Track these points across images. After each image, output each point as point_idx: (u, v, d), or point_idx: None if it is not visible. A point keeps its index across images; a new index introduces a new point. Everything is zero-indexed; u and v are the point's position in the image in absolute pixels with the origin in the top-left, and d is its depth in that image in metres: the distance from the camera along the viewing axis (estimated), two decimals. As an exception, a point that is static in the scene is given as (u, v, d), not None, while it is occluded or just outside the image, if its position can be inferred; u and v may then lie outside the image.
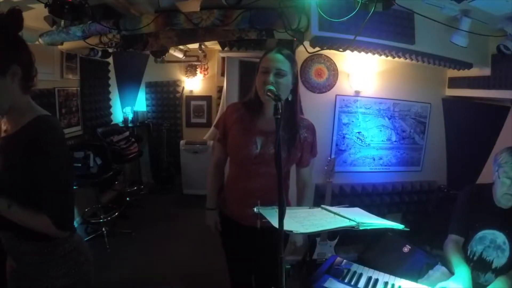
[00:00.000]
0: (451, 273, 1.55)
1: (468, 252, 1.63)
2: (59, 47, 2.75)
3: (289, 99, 1.38)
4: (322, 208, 1.35)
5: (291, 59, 1.35)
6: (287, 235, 1.51)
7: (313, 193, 1.67)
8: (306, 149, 1.48)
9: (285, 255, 1.48)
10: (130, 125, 4.50)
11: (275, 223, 0.93)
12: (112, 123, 4.35)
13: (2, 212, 0.97)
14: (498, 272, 1.56)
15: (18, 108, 1.01)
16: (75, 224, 3.24)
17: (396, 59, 2.24)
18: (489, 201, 1.60)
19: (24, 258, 1.06)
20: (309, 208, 1.37)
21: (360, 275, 1.44)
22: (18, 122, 1.00)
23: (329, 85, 2.65)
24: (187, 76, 4.74)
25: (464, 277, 1.44)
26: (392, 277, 1.43)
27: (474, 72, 2.37)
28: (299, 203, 1.61)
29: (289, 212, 1.11)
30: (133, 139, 4.11)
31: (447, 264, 1.64)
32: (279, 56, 1.32)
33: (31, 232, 1.02)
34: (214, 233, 1.61)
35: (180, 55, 4.19)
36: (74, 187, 2.72)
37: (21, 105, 1.02)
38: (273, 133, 1.34)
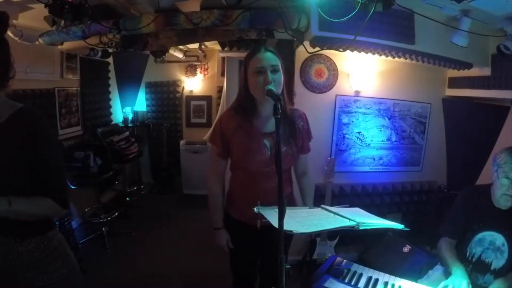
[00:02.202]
0: (449, 273, 1.55)
1: (467, 254, 1.62)
2: (59, 47, 2.75)
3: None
4: (322, 208, 1.35)
5: (278, 55, 1.39)
6: (290, 237, 1.50)
7: (313, 190, 1.67)
8: (305, 137, 1.52)
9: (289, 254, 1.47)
10: (130, 125, 4.50)
11: (275, 223, 0.93)
12: (112, 123, 4.35)
13: (3, 212, 0.94)
14: (497, 273, 1.56)
15: None
16: (75, 224, 3.25)
17: (396, 59, 2.24)
18: (487, 203, 1.60)
19: (23, 260, 1.05)
20: (309, 208, 1.37)
21: (360, 275, 1.44)
22: None
23: (329, 85, 2.65)
24: (187, 76, 4.74)
25: (462, 275, 1.45)
26: (392, 277, 1.43)
27: (474, 72, 2.37)
28: (301, 192, 1.63)
29: (289, 212, 1.11)
30: (133, 139, 4.11)
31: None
32: (270, 54, 1.35)
33: (28, 228, 1.02)
34: (227, 251, 1.58)
35: (180, 55, 4.19)
36: (75, 187, 2.76)
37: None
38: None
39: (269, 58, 1.33)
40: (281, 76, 1.35)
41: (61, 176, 1.11)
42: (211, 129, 1.59)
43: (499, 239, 1.55)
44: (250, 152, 1.41)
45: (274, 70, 1.32)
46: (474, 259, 1.61)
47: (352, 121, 2.73)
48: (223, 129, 1.44)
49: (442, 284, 1.46)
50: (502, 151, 1.55)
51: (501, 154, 1.54)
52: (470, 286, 1.44)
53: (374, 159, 2.83)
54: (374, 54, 2.13)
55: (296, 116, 1.50)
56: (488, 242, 1.57)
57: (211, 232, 1.59)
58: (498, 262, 1.56)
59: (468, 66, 2.28)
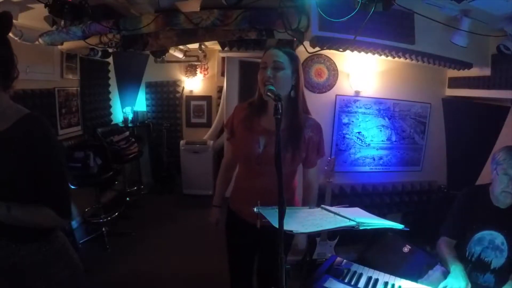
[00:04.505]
0: (448, 272, 1.56)
1: (467, 253, 1.63)
2: (59, 47, 2.75)
3: (292, 95, 1.37)
4: (322, 208, 1.35)
5: (290, 55, 1.35)
6: (291, 237, 1.51)
7: (314, 202, 1.65)
8: (311, 149, 1.45)
9: (287, 256, 1.48)
10: (130, 125, 4.50)
11: (275, 223, 0.93)
12: (112, 123, 4.35)
13: (2, 217, 0.94)
14: (497, 272, 1.56)
15: None
16: (75, 224, 3.25)
17: (396, 59, 2.24)
18: (486, 202, 1.60)
19: (24, 262, 1.04)
20: (309, 208, 1.37)
21: (360, 275, 1.44)
22: (3, 119, 0.99)
23: (329, 85, 2.65)
24: (187, 76, 4.74)
25: (460, 274, 1.45)
26: (392, 277, 1.43)
27: (474, 72, 2.37)
28: (303, 203, 1.61)
29: (289, 212, 1.11)
30: (133, 139, 4.11)
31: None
32: (277, 51, 1.33)
33: (29, 233, 1.02)
34: (214, 229, 1.64)
35: (180, 55, 4.19)
36: (75, 187, 2.76)
37: (2, 101, 1.01)
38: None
39: (274, 54, 1.32)
40: (285, 75, 1.31)
41: (64, 186, 1.08)
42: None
43: (498, 238, 1.56)
44: (243, 144, 1.44)
45: (276, 67, 1.29)
46: (473, 259, 1.61)
47: (352, 121, 2.73)
48: (234, 117, 1.50)
49: (441, 285, 1.46)
50: (501, 149, 1.57)
51: (500, 152, 1.56)
52: (469, 285, 1.44)
53: (374, 159, 2.83)
54: (374, 54, 2.13)
55: (307, 125, 1.42)
56: (488, 241, 1.58)
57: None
58: (497, 261, 1.56)
59: (468, 66, 2.28)
